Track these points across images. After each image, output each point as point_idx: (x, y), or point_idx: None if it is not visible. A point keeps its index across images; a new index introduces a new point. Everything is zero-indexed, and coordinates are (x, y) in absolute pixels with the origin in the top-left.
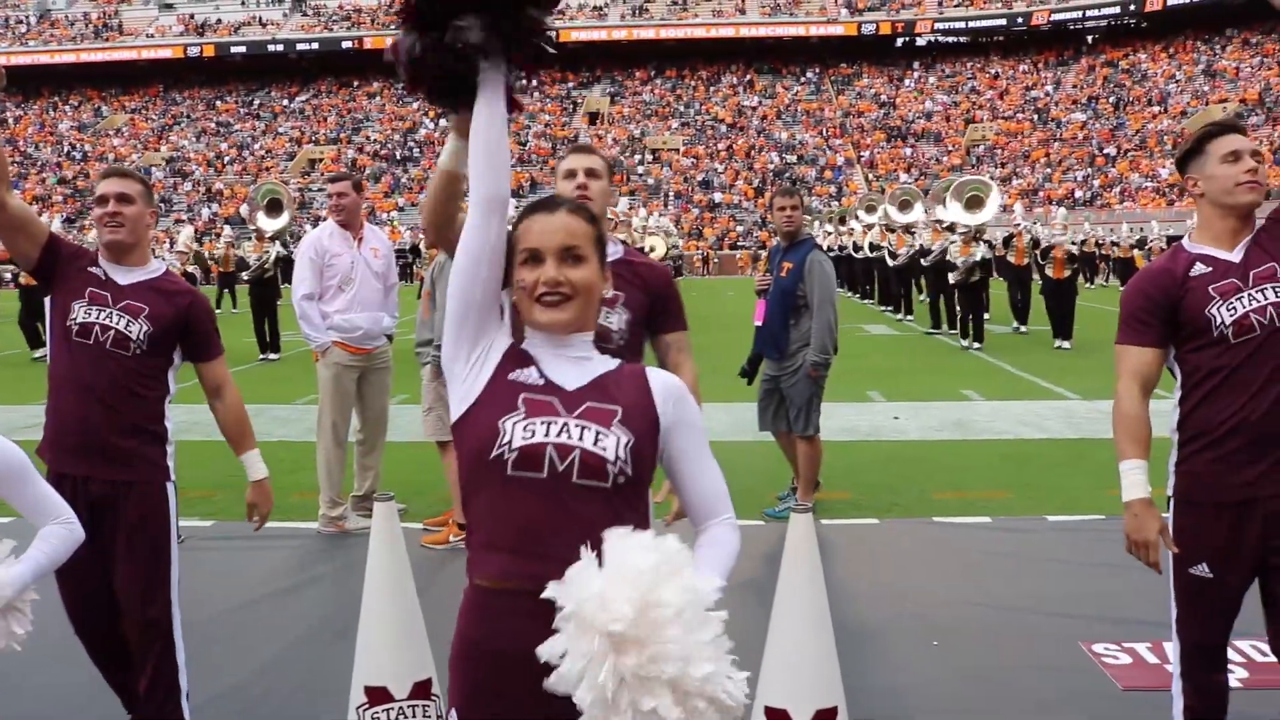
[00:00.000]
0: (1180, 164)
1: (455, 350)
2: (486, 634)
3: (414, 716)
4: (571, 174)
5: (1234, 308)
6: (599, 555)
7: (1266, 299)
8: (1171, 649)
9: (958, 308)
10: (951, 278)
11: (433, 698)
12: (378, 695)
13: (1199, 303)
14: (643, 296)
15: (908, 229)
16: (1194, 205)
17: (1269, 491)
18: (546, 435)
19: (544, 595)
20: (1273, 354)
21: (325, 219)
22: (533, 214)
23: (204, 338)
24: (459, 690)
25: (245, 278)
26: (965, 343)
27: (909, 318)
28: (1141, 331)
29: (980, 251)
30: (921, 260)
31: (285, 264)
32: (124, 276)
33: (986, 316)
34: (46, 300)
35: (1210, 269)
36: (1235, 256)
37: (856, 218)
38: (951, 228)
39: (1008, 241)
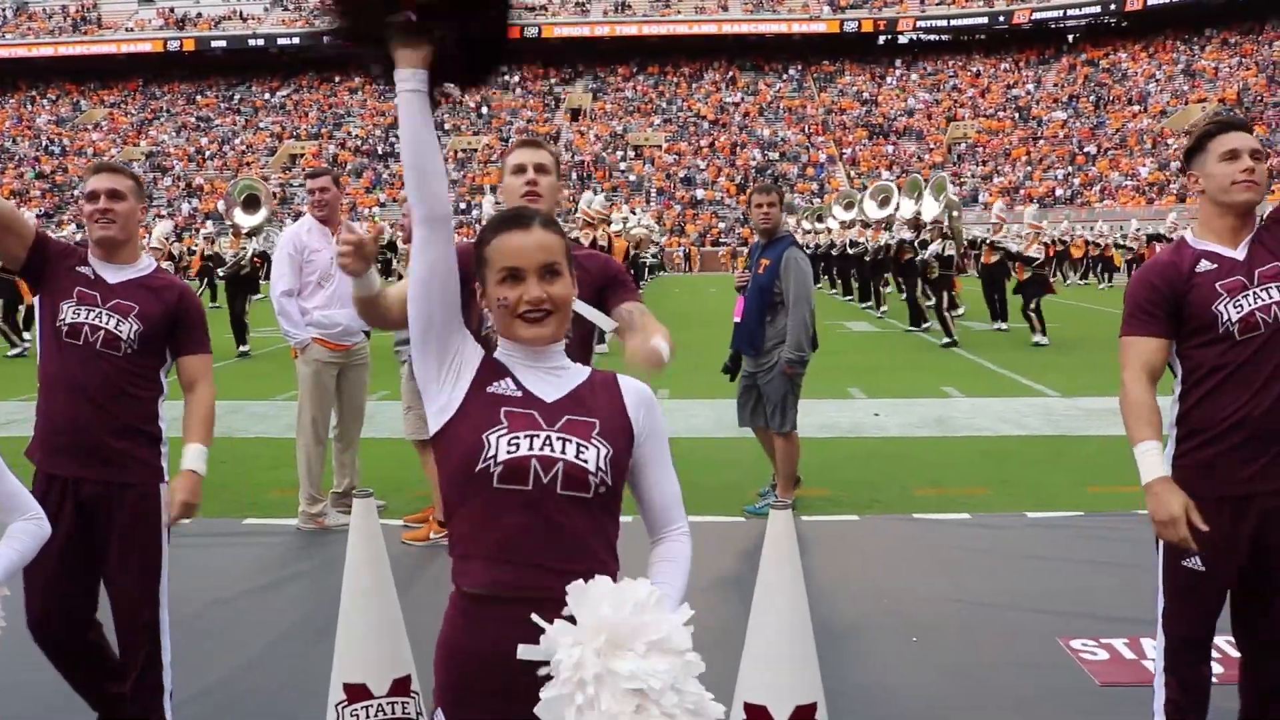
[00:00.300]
0: (1185, 160)
1: (424, 367)
2: (473, 639)
3: (393, 713)
4: (520, 169)
5: (1240, 305)
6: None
7: (1271, 298)
8: (1151, 644)
9: (929, 302)
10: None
11: (412, 695)
12: (357, 692)
13: (1205, 299)
14: (588, 290)
15: (885, 225)
16: (1173, 203)
17: (1266, 488)
18: (530, 448)
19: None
20: (1276, 351)
21: (305, 214)
22: (506, 230)
23: (189, 333)
24: (444, 691)
25: (221, 274)
26: (947, 340)
27: (883, 310)
28: (1147, 322)
29: (934, 248)
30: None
31: (264, 260)
32: (114, 275)
33: (960, 312)
34: (36, 300)
35: (1215, 266)
36: (1239, 254)
37: (833, 215)
38: (916, 224)
39: (974, 242)
